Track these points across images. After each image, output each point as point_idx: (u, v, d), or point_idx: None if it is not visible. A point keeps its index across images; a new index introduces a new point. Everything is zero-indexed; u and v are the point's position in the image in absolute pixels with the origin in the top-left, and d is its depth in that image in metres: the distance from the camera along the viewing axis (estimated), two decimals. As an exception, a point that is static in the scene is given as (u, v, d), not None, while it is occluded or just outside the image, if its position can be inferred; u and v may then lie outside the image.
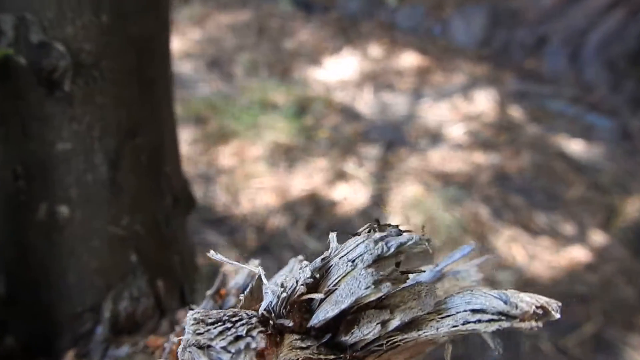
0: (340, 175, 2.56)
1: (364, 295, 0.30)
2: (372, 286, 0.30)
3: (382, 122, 2.99)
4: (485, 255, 0.40)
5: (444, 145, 2.78)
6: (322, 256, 0.34)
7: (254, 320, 0.31)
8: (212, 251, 0.38)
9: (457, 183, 2.52)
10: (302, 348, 0.30)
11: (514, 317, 0.28)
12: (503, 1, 3.73)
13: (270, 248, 2.16)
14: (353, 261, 0.32)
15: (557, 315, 0.28)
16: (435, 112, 3.06)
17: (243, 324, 0.31)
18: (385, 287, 0.30)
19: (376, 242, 0.32)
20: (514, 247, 2.19)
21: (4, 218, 0.69)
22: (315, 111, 3.03)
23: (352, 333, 0.31)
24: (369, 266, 0.31)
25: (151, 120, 0.70)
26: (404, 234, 0.34)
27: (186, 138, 2.62)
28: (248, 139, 2.71)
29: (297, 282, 0.33)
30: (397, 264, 0.33)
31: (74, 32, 0.60)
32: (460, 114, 3.05)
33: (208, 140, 2.66)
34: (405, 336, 0.30)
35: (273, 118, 2.89)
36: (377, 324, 0.30)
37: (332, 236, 0.36)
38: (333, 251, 0.34)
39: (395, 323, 0.30)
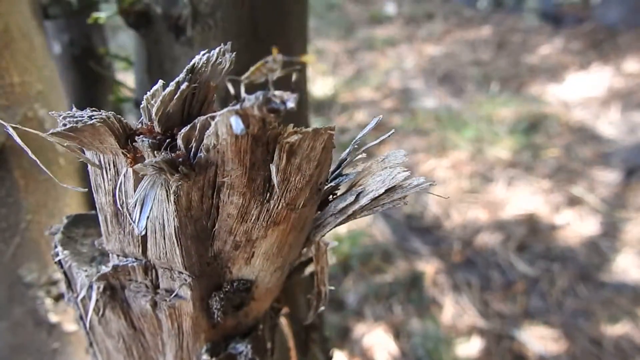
0: (566, 199, 2.35)
1: (169, 90, 0.39)
2: (175, 84, 0.39)
3: (628, 144, 2.64)
4: (391, 130, 0.45)
5: None
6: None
7: (104, 114, 0.41)
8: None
9: None
10: (148, 148, 0.39)
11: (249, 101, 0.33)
12: None
13: (475, 264, 2.11)
14: None
15: (291, 105, 0.31)
16: (701, 136, 2.57)
17: (97, 116, 0.41)
18: (184, 83, 0.38)
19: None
20: None
21: None
22: (547, 129, 2.82)
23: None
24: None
25: None
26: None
27: (406, 147, 2.72)
28: (468, 153, 2.67)
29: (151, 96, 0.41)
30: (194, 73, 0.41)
31: None
32: None
33: (428, 151, 2.71)
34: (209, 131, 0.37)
35: (498, 134, 2.79)
36: (190, 125, 0.38)
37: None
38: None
39: (197, 122, 0.37)
